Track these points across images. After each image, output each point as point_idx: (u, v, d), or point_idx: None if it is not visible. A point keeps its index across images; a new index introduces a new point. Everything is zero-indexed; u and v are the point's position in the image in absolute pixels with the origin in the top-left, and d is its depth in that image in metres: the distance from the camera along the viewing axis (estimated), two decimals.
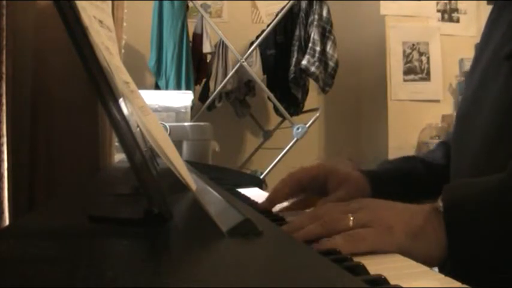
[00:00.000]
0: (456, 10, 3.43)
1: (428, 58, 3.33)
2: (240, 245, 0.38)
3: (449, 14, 3.42)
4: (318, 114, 2.98)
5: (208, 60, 3.18)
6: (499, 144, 0.61)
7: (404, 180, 0.80)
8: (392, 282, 0.38)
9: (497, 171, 0.57)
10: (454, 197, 0.52)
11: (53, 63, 0.94)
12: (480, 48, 0.74)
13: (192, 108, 2.40)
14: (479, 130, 0.65)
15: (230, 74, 2.96)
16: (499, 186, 0.51)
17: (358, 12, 3.56)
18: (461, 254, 0.50)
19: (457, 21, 3.42)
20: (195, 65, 3.06)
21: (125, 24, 1.18)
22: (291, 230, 0.53)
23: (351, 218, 0.52)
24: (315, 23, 2.96)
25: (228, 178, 1.06)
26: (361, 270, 0.41)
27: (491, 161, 0.62)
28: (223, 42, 3.04)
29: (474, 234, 0.49)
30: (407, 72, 3.30)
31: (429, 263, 0.50)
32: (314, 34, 2.95)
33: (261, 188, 1.04)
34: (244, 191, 0.91)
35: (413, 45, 3.32)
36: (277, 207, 0.74)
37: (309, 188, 0.75)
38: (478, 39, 0.77)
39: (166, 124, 1.89)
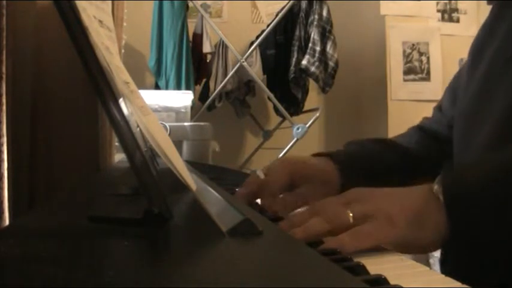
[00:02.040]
0: (456, 10, 3.43)
1: (428, 58, 3.33)
2: (240, 245, 0.38)
3: (449, 14, 3.42)
4: (318, 114, 2.98)
5: (208, 60, 3.18)
6: (506, 147, 0.61)
7: (375, 164, 0.79)
8: (392, 282, 0.38)
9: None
10: (455, 180, 0.52)
11: (53, 63, 0.94)
12: (480, 48, 0.73)
13: (192, 108, 2.40)
14: (485, 131, 0.65)
15: (230, 74, 2.95)
16: (500, 167, 0.51)
17: (358, 12, 3.55)
18: (463, 236, 0.49)
19: (457, 21, 3.42)
20: (195, 65, 3.06)
21: (124, 24, 1.18)
22: (289, 227, 0.52)
23: (350, 214, 0.51)
24: (315, 23, 2.96)
25: (228, 178, 1.06)
26: (361, 270, 0.41)
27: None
28: (223, 42, 3.04)
29: (476, 216, 0.49)
30: (407, 72, 3.30)
31: (431, 248, 0.51)
32: (314, 34, 2.95)
33: None
34: None
35: (413, 45, 3.32)
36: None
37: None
38: None
39: (166, 124, 1.89)
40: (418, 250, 0.51)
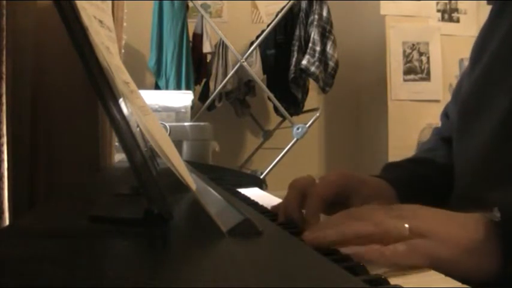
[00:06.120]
0: (456, 10, 3.43)
1: (428, 58, 3.33)
2: (240, 245, 0.38)
3: (449, 14, 3.42)
4: (318, 114, 2.98)
5: (208, 60, 3.18)
6: (507, 146, 0.60)
7: (421, 188, 0.75)
8: (392, 282, 0.38)
9: (506, 167, 0.56)
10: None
11: (53, 63, 0.94)
12: (480, 48, 0.73)
13: (192, 108, 2.40)
14: (485, 130, 0.65)
15: (230, 74, 2.96)
16: None
17: (358, 12, 3.56)
18: None
19: (457, 21, 3.42)
20: (195, 65, 3.06)
21: (125, 24, 1.18)
22: (326, 226, 0.47)
23: (406, 226, 0.46)
24: (315, 23, 2.96)
25: (228, 178, 1.06)
26: (361, 270, 0.41)
27: (500, 158, 0.61)
28: (223, 42, 3.04)
29: None
30: (407, 72, 3.30)
31: (481, 279, 0.46)
32: (314, 34, 2.95)
33: (261, 188, 1.04)
34: (244, 191, 0.91)
35: (413, 45, 3.32)
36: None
37: (331, 203, 0.65)
38: None
39: (166, 124, 1.89)
40: (466, 278, 0.45)
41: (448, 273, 0.44)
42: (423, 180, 0.76)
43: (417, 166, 0.79)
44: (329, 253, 0.46)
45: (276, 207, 0.67)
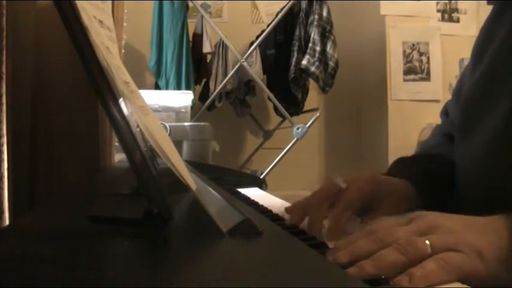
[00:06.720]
0: (456, 10, 3.43)
1: (428, 58, 3.33)
2: (240, 245, 0.38)
3: (449, 14, 3.42)
4: (318, 114, 2.98)
5: (208, 60, 3.18)
6: (508, 145, 0.60)
7: (436, 187, 0.73)
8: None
9: (508, 167, 0.57)
10: None
11: (53, 63, 0.94)
12: (481, 48, 0.73)
13: (192, 108, 2.40)
14: (489, 125, 0.64)
15: (230, 74, 2.96)
16: None
17: (358, 12, 3.56)
18: None
19: (457, 21, 3.42)
20: (195, 65, 3.06)
21: (125, 24, 1.18)
22: (350, 256, 0.43)
23: (427, 242, 0.42)
24: (315, 23, 2.96)
25: (228, 178, 1.06)
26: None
27: (501, 158, 0.61)
28: (223, 42, 3.04)
29: None
30: (407, 72, 3.30)
31: None
32: (314, 34, 2.95)
33: (261, 188, 1.04)
34: (244, 191, 0.91)
35: (413, 45, 3.32)
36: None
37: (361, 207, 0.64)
38: None
39: (166, 124, 1.89)
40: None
41: (482, 285, 0.41)
42: (437, 178, 0.74)
43: (431, 163, 0.78)
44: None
45: (293, 210, 0.65)
